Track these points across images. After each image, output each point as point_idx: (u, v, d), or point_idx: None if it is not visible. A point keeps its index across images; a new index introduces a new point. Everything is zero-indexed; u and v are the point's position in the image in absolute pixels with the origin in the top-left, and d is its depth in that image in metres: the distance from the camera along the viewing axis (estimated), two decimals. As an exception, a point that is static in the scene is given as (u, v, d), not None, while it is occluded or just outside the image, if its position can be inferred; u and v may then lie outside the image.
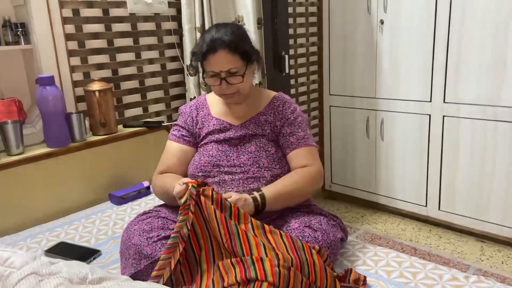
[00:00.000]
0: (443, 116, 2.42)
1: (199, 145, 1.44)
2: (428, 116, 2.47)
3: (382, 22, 2.56)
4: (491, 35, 2.17)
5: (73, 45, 1.88)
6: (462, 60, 2.29)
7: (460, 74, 2.31)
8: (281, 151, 1.40)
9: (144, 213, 1.36)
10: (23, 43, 1.78)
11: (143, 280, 1.18)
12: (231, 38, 1.31)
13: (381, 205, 2.82)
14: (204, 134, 1.43)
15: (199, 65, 1.38)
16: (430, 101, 2.45)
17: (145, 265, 1.17)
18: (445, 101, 2.39)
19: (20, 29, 1.77)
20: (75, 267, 0.81)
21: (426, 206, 2.60)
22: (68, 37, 1.85)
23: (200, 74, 2.17)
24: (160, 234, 1.22)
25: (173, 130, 1.48)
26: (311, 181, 1.34)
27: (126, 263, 1.23)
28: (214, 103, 1.47)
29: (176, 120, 1.53)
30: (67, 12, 1.84)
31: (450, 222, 2.52)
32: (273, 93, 1.48)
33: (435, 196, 2.54)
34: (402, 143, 2.63)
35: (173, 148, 1.45)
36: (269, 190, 1.27)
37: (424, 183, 2.58)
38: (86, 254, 1.40)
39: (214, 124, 1.42)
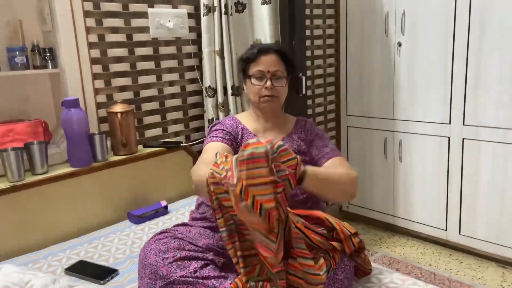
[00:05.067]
0: (463, 139, 2.39)
1: None
2: (447, 138, 2.45)
3: (399, 44, 2.57)
4: (511, 56, 2.15)
5: (97, 68, 1.96)
6: (481, 82, 2.27)
7: (480, 97, 2.29)
8: None
9: (161, 232, 1.38)
10: (50, 67, 1.86)
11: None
12: (283, 48, 1.55)
13: (400, 227, 2.78)
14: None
15: (243, 71, 1.50)
16: (449, 123, 2.43)
17: (160, 286, 1.18)
18: (465, 123, 2.37)
19: (48, 54, 1.85)
20: (93, 290, 0.84)
21: (446, 230, 2.55)
22: (93, 61, 1.93)
23: (219, 95, 2.22)
24: (176, 255, 1.22)
25: (217, 133, 1.46)
26: (351, 181, 1.35)
27: (141, 282, 1.24)
28: (246, 122, 1.53)
29: (195, 140, 1.56)
30: (93, 38, 1.93)
31: (471, 247, 2.46)
32: (295, 117, 1.61)
33: (456, 220, 2.49)
34: (421, 165, 2.61)
35: (219, 146, 1.40)
36: (310, 168, 1.19)
37: (444, 206, 2.53)
38: (104, 273, 1.43)
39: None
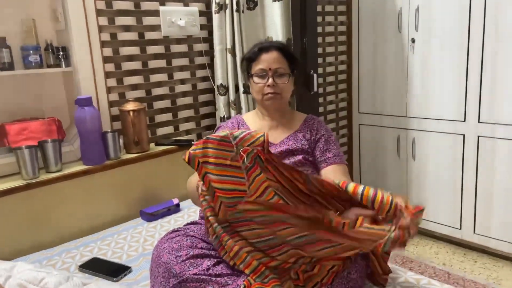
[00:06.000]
0: (478, 137, 2.35)
1: None
2: (462, 136, 2.41)
3: (413, 40, 2.54)
4: (528, 54, 2.11)
5: (110, 67, 1.97)
6: (497, 79, 2.23)
7: (496, 93, 2.25)
8: (316, 172, 1.43)
9: (174, 231, 1.38)
10: (63, 65, 1.88)
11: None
12: (284, 44, 1.55)
13: (413, 226, 2.75)
14: None
15: (247, 70, 1.52)
16: (464, 120, 2.39)
17: (173, 284, 1.18)
18: (480, 121, 2.33)
19: (61, 53, 1.87)
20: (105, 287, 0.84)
21: (460, 229, 2.51)
22: (105, 59, 1.94)
23: (230, 93, 2.22)
24: (189, 253, 1.22)
25: None
26: None
27: (154, 281, 1.24)
28: (251, 122, 1.55)
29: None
30: (105, 36, 1.94)
31: (486, 246, 2.42)
32: (305, 115, 1.59)
33: (470, 219, 2.46)
34: (435, 163, 2.57)
35: None
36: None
37: (458, 205, 2.50)
38: (117, 271, 1.43)
39: None
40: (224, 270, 1.17)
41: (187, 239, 1.29)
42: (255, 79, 1.47)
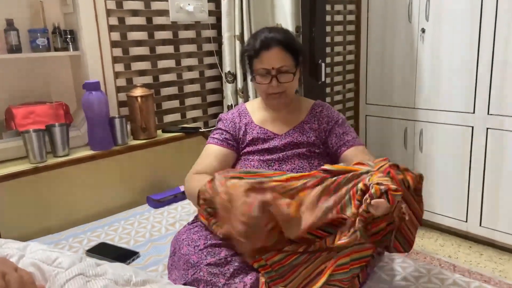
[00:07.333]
0: (487, 129, 2.33)
1: (241, 153, 1.44)
2: (471, 128, 2.39)
3: (423, 30, 2.51)
4: (541, 45, 2.08)
5: (117, 52, 1.94)
6: (508, 70, 2.20)
7: (506, 85, 2.22)
8: (324, 162, 1.38)
9: (193, 221, 1.34)
10: (71, 49, 1.86)
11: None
12: (286, 36, 1.37)
13: (418, 218, 2.74)
14: (247, 141, 1.42)
15: (247, 65, 1.42)
16: (473, 112, 2.37)
17: (192, 275, 1.13)
18: (489, 113, 2.31)
19: (69, 36, 1.85)
20: (120, 269, 0.83)
21: (466, 221, 2.50)
22: (113, 44, 1.92)
23: (238, 81, 2.20)
24: (207, 242, 1.18)
25: (214, 134, 1.46)
26: None
27: (177, 274, 1.20)
28: (255, 112, 1.48)
29: (214, 126, 1.55)
30: (113, 21, 1.91)
31: (492, 239, 2.41)
32: (312, 101, 1.50)
33: (477, 212, 2.45)
34: (442, 155, 2.55)
35: (215, 151, 1.41)
36: None
37: (465, 198, 2.48)
38: (125, 255, 1.43)
39: (258, 132, 1.42)
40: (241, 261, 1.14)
41: (206, 229, 1.25)
42: (258, 78, 1.37)
